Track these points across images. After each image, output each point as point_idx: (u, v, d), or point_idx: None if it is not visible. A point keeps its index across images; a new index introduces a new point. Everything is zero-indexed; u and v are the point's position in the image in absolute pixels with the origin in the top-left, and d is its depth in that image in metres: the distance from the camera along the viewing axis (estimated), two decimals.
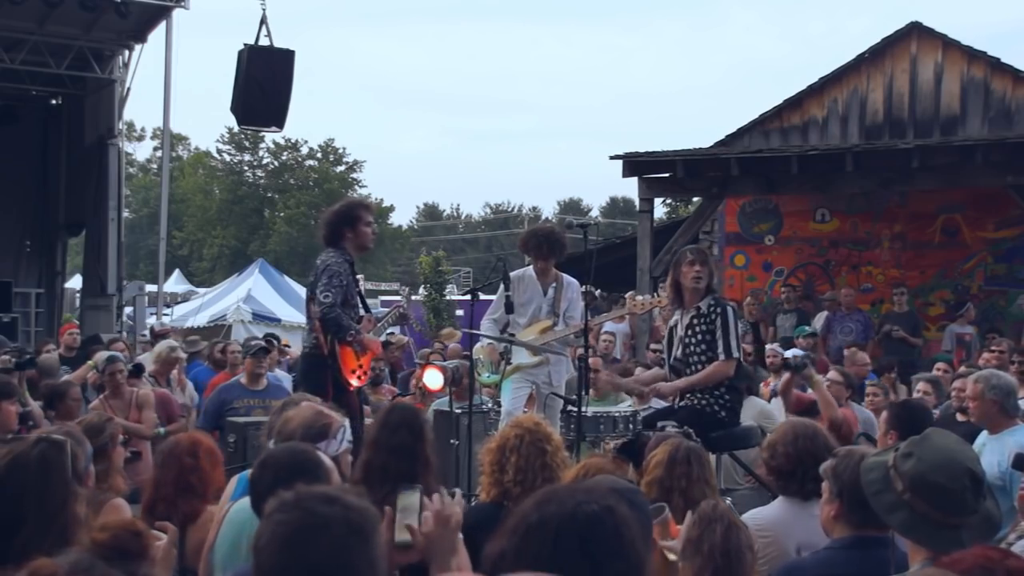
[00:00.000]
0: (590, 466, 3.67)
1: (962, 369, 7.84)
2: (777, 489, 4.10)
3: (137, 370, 7.46)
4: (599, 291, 12.79)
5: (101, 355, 7.76)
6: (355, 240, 6.35)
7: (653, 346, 10.15)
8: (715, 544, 2.96)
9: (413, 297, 19.29)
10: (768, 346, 9.82)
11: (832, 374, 7.33)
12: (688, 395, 6.11)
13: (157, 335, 12.44)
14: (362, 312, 6.46)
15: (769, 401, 7.86)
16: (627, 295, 8.01)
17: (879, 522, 2.96)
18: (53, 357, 9.48)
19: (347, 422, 3.71)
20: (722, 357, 5.98)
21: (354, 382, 6.19)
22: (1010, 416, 5.42)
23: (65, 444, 2.78)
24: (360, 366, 6.25)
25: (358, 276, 6.82)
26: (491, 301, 7.30)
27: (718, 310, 6.05)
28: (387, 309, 8.13)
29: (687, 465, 3.84)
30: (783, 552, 3.74)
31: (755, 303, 12.68)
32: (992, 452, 5.26)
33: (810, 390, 7.05)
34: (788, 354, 7.94)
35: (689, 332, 6.10)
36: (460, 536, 2.61)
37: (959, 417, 6.21)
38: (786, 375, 7.21)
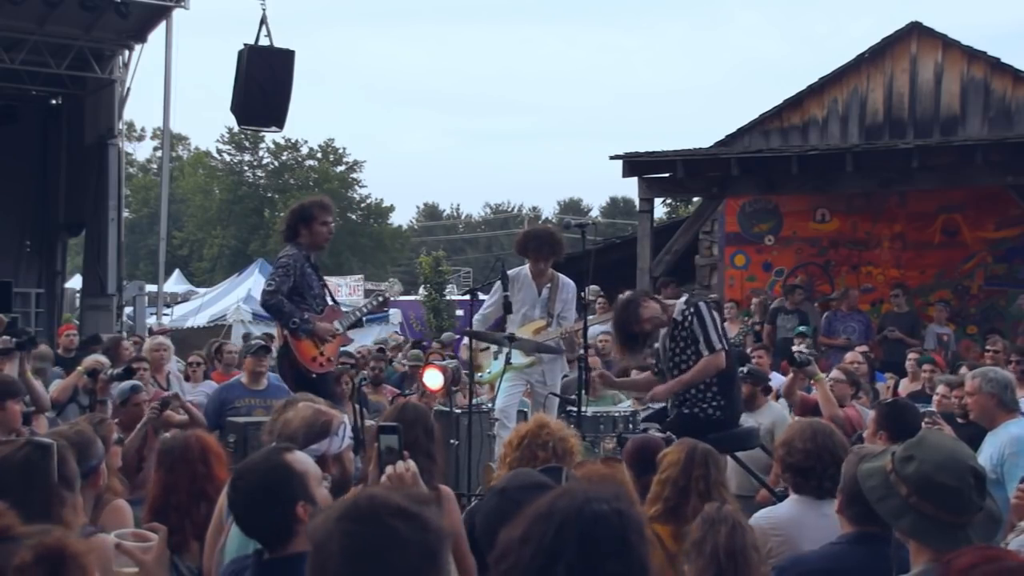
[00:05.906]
0: (591, 475, 3.65)
1: (941, 379, 7.67)
2: (792, 486, 4.05)
3: (126, 374, 7.38)
4: (600, 295, 12.76)
5: (90, 360, 7.67)
6: (310, 237, 6.68)
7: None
8: (718, 545, 2.95)
9: (402, 295, 19.23)
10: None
11: (835, 373, 7.29)
12: (678, 404, 6.12)
13: (155, 335, 12.42)
14: (329, 302, 6.73)
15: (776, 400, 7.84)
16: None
17: (876, 519, 2.96)
18: (47, 349, 9.46)
19: (347, 419, 3.71)
20: (706, 353, 5.99)
21: (315, 369, 6.38)
22: (1009, 410, 5.43)
23: (51, 447, 2.72)
24: (322, 353, 6.42)
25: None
26: None
27: (691, 311, 6.07)
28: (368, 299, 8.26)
29: (705, 468, 3.83)
30: (796, 551, 3.68)
31: (760, 303, 12.66)
32: (989, 445, 5.31)
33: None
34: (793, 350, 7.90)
35: (671, 343, 6.15)
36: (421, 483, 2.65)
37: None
38: (791, 373, 7.19)
